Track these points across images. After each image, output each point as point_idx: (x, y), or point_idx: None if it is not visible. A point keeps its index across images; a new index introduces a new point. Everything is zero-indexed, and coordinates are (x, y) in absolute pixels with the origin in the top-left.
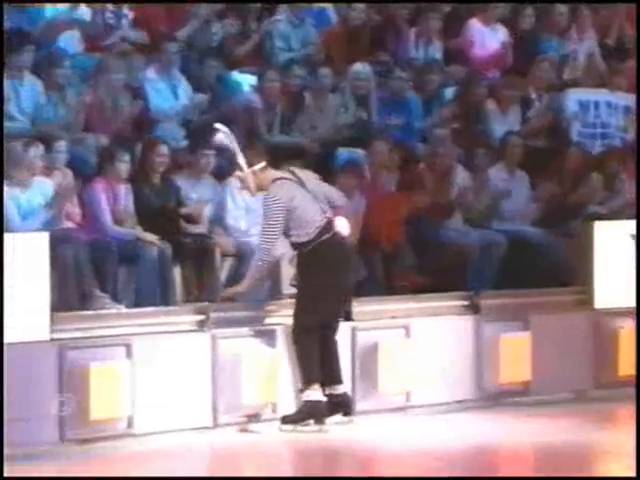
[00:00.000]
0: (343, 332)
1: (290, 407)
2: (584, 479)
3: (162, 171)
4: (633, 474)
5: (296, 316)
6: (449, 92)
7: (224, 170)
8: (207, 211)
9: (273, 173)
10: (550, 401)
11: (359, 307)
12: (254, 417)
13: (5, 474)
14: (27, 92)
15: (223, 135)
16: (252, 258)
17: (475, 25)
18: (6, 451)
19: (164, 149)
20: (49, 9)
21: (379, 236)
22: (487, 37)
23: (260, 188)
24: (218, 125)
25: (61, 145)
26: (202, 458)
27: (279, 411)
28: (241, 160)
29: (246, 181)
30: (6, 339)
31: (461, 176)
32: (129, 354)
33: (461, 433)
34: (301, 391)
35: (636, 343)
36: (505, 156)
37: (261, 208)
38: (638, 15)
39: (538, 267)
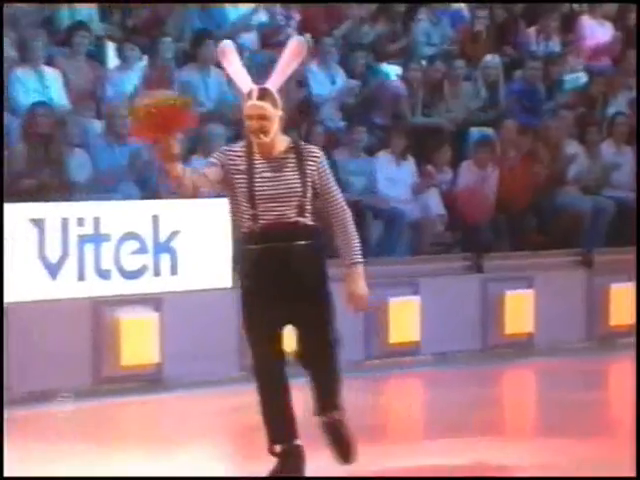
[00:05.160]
0: (474, 283)
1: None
2: (584, 479)
3: (321, 147)
4: (633, 474)
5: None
6: (568, 80)
7: (373, 146)
8: (360, 181)
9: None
10: None
11: (488, 261)
12: None
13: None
14: (213, 82)
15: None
16: (398, 221)
17: (586, 21)
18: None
19: (321, 129)
20: (231, 11)
21: (507, 201)
22: (597, 31)
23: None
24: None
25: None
26: None
27: None
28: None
29: (271, 120)
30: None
31: (575, 150)
32: None
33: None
34: None
35: (636, 344)
36: (613, 133)
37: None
38: (638, 15)
39: None
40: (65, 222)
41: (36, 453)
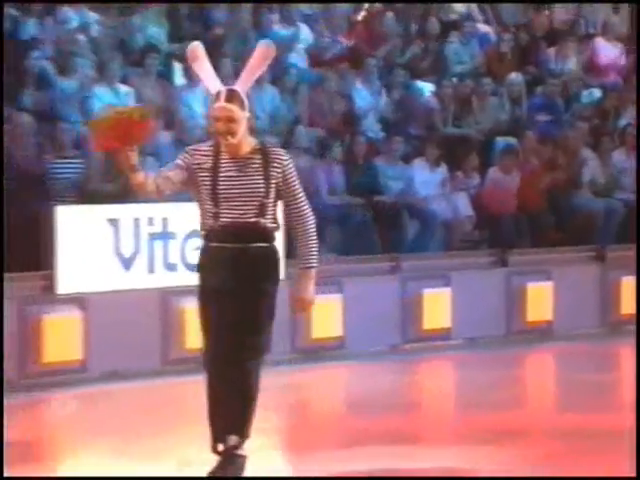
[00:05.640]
0: (499, 276)
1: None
2: (584, 479)
3: (363, 155)
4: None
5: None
6: (584, 95)
7: (409, 154)
8: (398, 185)
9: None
10: None
11: (512, 256)
12: None
13: None
14: (267, 97)
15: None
16: (431, 221)
17: (600, 43)
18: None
19: (364, 139)
20: (283, 33)
21: (528, 202)
22: (609, 51)
23: (237, 139)
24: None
25: (297, 133)
26: None
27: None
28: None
29: (238, 121)
30: None
31: (589, 157)
32: (340, 290)
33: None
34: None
35: (636, 342)
36: (624, 142)
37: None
38: (638, 15)
39: None
40: (137, 222)
41: (109, 425)
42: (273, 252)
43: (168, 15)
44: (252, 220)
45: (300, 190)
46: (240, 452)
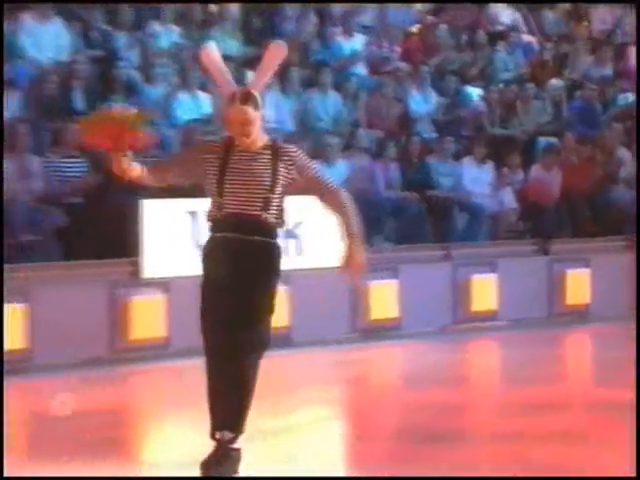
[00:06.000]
0: (541, 263)
1: None
2: (584, 479)
3: (418, 154)
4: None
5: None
6: (619, 99)
7: (459, 153)
8: (449, 181)
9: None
10: None
11: (553, 245)
12: None
13: None
14: (330, 101)
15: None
16: (479, 213)
17: (633, 51)
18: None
19: (418, 139)
20: (345, 45)
21: (568, 197)
22: None
23: (252, 139)
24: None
25: (357, 135)
26: None
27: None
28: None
29: (253, 123)
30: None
31: (624, 155)
32: (397, 276)
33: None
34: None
35: (636, 342)
36: None
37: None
38: (638, 15)
39: None
40: None
41: (189, 397)
42: (274, 246)
43: (241, 28)
44: (255, 213)
45: (321, 171)
46: (234, 446)
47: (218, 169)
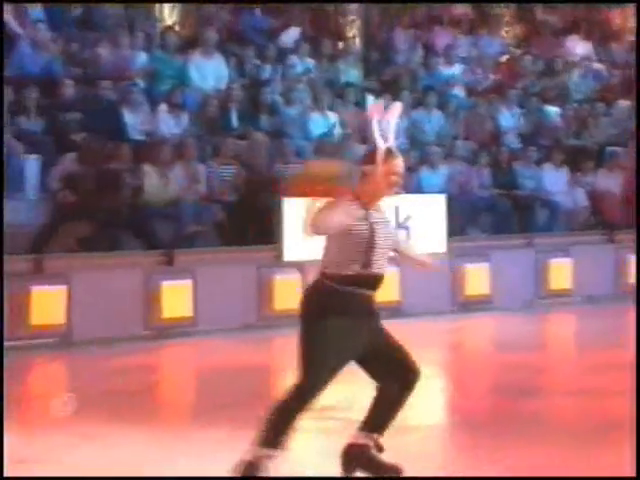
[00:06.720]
0: (609, 250)
1: None
2: (584, 479)
3: (506, 161)
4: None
5: None
6: None
7: (540, 160)
8: (531, 183)
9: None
10: None
11: (618, 236)
12: None
13: None
14: (434, 119)
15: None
16: (557, 209)
17: None
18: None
19: (506, 149)
20: (446, 71)
21: (630, 196)
22: None
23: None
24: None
25: (456, 146)
26: None
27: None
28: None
29: (373, 176)
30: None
31: None
32: (488, 260)
33: None
34: None
35: (636, 340)
36: None
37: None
38: (638, 15)
39: None
40: None
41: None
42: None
43: (362, 59)
44: (385, 270)
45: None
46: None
47: (367, 229)
